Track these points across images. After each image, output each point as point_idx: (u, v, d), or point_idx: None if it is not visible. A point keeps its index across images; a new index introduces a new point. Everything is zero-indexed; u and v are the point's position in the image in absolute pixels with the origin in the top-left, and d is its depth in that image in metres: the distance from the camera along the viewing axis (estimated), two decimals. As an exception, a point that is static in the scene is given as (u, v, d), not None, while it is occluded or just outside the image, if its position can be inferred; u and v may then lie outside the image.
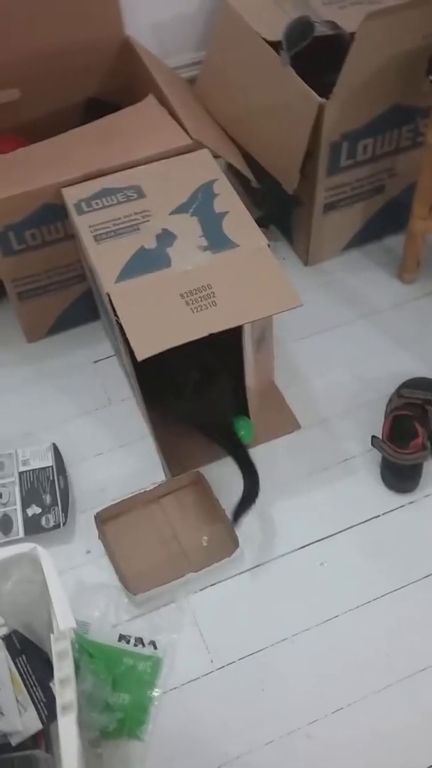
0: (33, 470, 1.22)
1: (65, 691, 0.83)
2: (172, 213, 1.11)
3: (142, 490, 1.21)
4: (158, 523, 1.20)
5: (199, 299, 0.99)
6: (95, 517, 1.18)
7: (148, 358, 0.94)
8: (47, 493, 1.20)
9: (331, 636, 1.09)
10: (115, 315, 0.99)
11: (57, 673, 0.84)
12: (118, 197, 1.14)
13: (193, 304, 0.99)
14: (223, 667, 1.07)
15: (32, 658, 0.96)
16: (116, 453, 1.28)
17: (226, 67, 1.43)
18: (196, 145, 1.24)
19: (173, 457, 1.25)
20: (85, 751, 0.98)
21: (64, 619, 0.87)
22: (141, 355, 0.94)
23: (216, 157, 1.26)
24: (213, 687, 1.05)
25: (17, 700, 0.95)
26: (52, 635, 0.87)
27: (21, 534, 1.16)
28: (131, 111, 1.32)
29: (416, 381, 1.33)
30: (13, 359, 1.41)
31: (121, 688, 1.04)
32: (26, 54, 1.37)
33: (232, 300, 0.99)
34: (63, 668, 0.85)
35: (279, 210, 1.54)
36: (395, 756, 1.00)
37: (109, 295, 1.00)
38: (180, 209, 1.11)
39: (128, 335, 0.95)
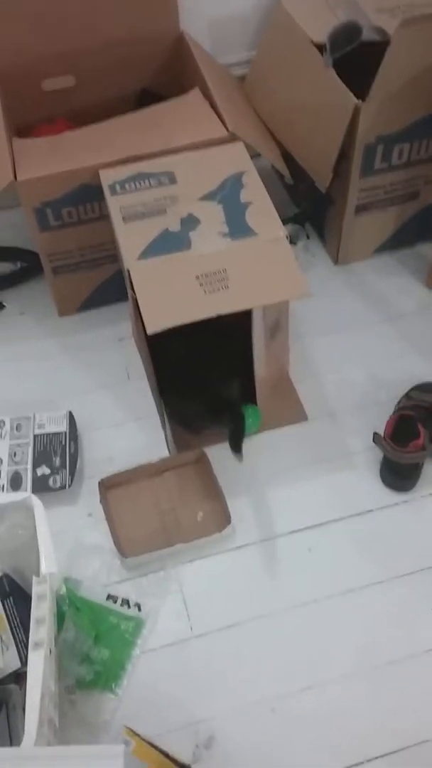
0: (47, 434, 1.29)
1: (39, 630, 0.90)
2: (199, 199, 1.16)
3: (148, 463, 1.26)
4: (158, 495, 1.25)
5: (213, 282, 1.04)
6: (99, 483, 1.24)
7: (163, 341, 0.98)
8: (57, 456, 1.27)
9: (308, 618, 1.12)
10: (133, 291, 1.05)
11: (34, 612, 0.91)
12: (151, 181, 1.20)
13: (206, 285, 1.04)
14: (201, 635, 1.11)
15: (19, 600, 1.03)
16: (128, 426, 1.34)
17: (273, 66, 1.48)
18: (232, 138, 1.29)
19: (180, 434, 1.30)
20: (60, 697, 1.05)
21: (47, 564, 0.93)
22: (151, 329, 0.99)
23: (257, 155, 1.31)
24: (189, 653, 1.10)
25: (1, 639, 1.01)
26: (34, 577, 0.93)
27: (29, 491, 1.23)
28: (175, 102, 1.38)
29: (427, 385, 1.34)
30: (44, 331, 1.49)
31: (102, 644, 1.10)
32: (83, 43, 1.45)
33: (244, 285, 1.04)
34: (40, 609, 0.91)
35: (315, 208, 1.58)
36: (352, 740, 1.02)
37: (129, 271, 1.06)
38: (208, 197, 1.17)
39: (141, 309, 1.01)
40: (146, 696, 1.06)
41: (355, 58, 1.32)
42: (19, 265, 1.53)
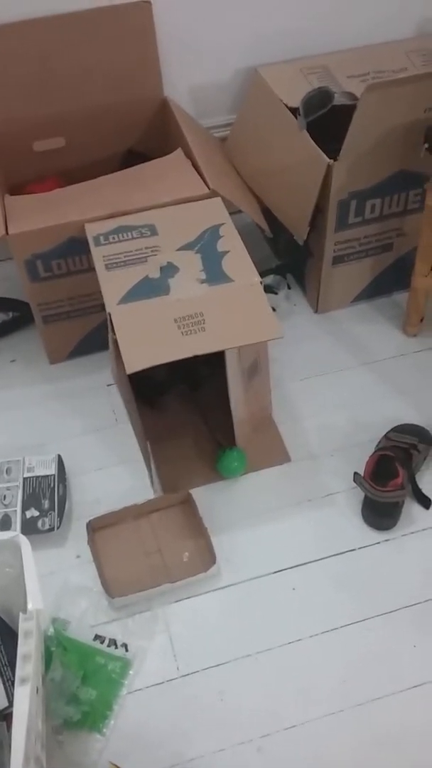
0: (36, 477, 1.33)
1: (25, 666, 0.91)
2: (178, 249, 1.23)
3: (134, 505, 1.29)
4: (144, 536, 1.27)
5: (190, 324, 1.10)
6: (87, 525, 1.27)
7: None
8: (46, 498, 1.30)
9: (292, 657, 1.13)
10: (113, 333, 1.10)
11: (20, 649, 0.92)
12: (133, 233, 1.27)
13: (184, 328, 1.09)
14: (187, 675, 1.12)
15: (6, 639, 1.04)
16: (115, 469, 1.37)
17: (252, 128, 1.57)
18: (213, 195, 1.37)
19: (166, 477, 1.34)
20: (48, 737, 1.05)
21: (33, 601, 0.95)
22: (130, 369, 1.04)
23: (239, 212, 1.38)
24: (175, 692, 1.11)
25: (-12, 679, 1.02)
26: (21, 614, 0.95)
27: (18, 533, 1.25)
28: (159, 162, 1.46)
29: (405, 426, 1.39)
30: (35, 378, 1.54)
31: (89, 684, 1.11)
32: (73, 108, 1.54)
33: (219, 327, 1.10)
34: (27, 645, 0.93)
35: (295, 260, 1.65)
36: (340, 777, 1.03)
37: (110, 314, 1.12)
38: (186, 246, 1.23)
39: (121, 350, 1.06)
40: (133, 736, 1.07)
41: (329, 121, 1.41)
42: (10, 315, 1.59)
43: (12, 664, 1.02)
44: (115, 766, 0.98)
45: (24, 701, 0.87)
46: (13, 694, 1.01)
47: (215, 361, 1.13)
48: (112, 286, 1.17)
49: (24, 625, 0.94)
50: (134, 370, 1.04)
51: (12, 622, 1.07)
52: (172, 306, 1.13)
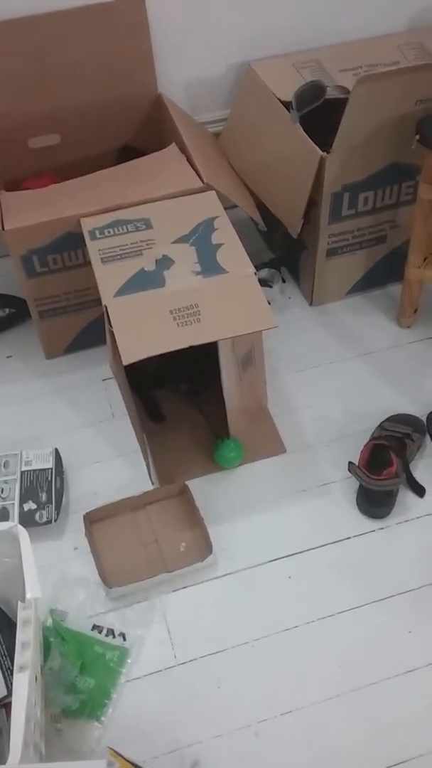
0: (34, 470, 1.34)
1: (24, 653, 0.92)
2: (173, 242, 1.24)
3: (131, 497, 1.30)
4: (141, 527, 1.28)
5: (186, 316, 1.11)
6: (84, 517, 1.28)
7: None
8: (44, 491, 1.31)
9: (289, 644, 1.14)
10: (110, 325, 1.11)
11: (19, 636, 0.93)
12: (128, 227, 1.28)
13: (179, 319, 1.10)
14: (184, 663, 1.13)
15: (5, 629, 1.05)
16: (112, 462, 1.38)
17: (246, 123, 1.58)
18: (207, 189, 1.38)
19: (163, 468, 1.35)
20: (47, 725, 1.06)
21: (31, 590, 0.96)
22: (127, 360, 1.05)
23: (234, 206, 1.39)
24: (173, 680, 1.12)
25: (-12, 668, 1.04)
26: (20, 603, 0.96)
27: (16, 525, 1.26)
28: (154, 157, 1.47)
29: (400, 416, 1.40)
30: (32, 373, 1.55)
31: (88, 673, 1.12)
32: (68, 104, 1.54)
33: (214, 318, 1.11)
34: (25, 633, 0.94)
35: (289, 253, 1.66)
36: (333, 763, 1.04)
37: (106, 307, 1.13)
38: (181, 239, 1.24)
39: (118, 342, 1.07)
40: (131, 723, 1.08)
41: (322, 114, 1.42)
42: (6, 311, 1.60)
43: (11, 654, 1.03)
44: (114, 751, 0.99)
45: (23, 687, 0.88)
46: (12, 683, 1.02)
47: (212, 351, 1.14)
48: (108, 279, 1.19)
49: (23, 614, 0.95)
50: (131, 361, 1.05)
51: (10, 612, 1.08)
52: (168, 298, 1.14)
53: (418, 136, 1.27)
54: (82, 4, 1.46)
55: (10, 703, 1.01)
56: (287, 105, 1.44)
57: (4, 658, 1.04)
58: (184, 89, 1.67)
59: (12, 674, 1.02)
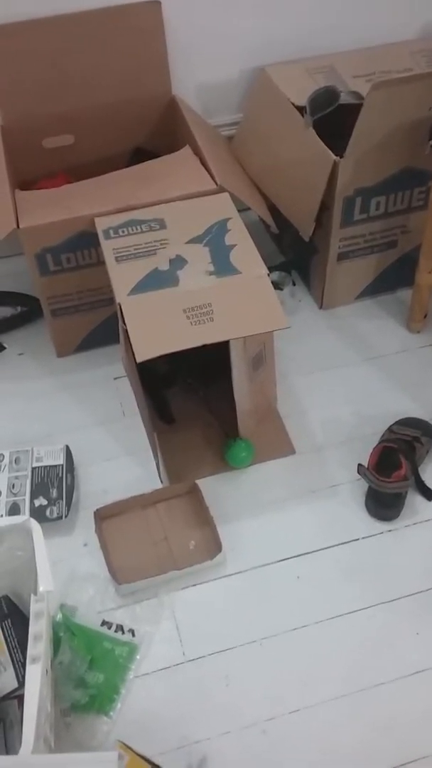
0: (45, 467, 1.34)
1: (36, 645, 0.93)
2: (187, 242, 1.25)
3: (141, 494, 1.31)
4: (151, 525, 1.29)
5: (199, 315, 1.12)
6: (95, 514, 1.28)
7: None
8: (55, 487, 1.32)
9: (297, 644, 1.15)
10: (124, 323, 1.12)
11: (31, 629, 0.94)
12: (142, 227, 1.29)
13: (193, 318, 1.11)
14: (193, 660, 1.14)
15: (17, 622, 1.06)
16: (122, 460, 1.39)
17: (259, 126, 1.60)
18: (220, 191, 1.39)
19: (173, 467, 1.36)
20: (56, 719, 1.07)
21: (44, 583, 0.97)
22: (140, 357, 1.06)
23: (246, 209, 1.41)
24: (181, 677, 1.13)
25: (-1, 661, 1.04)
26: (32, 595, 0.97)
27: (27, 520, 1.27)
28: (167, 159, 1.49)
29: (409, 420, 1.40)
30: (43, 371, 1.56)
31: (97, 668, 1.13)
32: (82, 106, 1.56)
33: (227, 318, 1.12)
34: (38, 625, 0.95)
35: (300, 257, 1.67)
36: (340, 762, 1.04)
37: (120, 305, 1.14)
38: (195, 240, 1.26)
39: (131, 340, 1.08)
40: (140, 719, 1.09)
41: (335, 119, 1.43)
42: (18, 309, 1.61)
43: (22, 647, 1.04)
44: (124, 744, 1.00)
45: (35, 679, 0.89)
46: (23, 676, 1.03)
47: (223, 351, 1.15)
48: (122, 277, 1.20)
49: (35, 606, 0.96)
50: (144, 359, 1.06)
51: (22, 605, 1.09)
52: (181, 297, 1.15)
53: (431, 142, 1.29)
54: (99, 7, 1.48)
55: (22, 696, 1.02)
56: (300, 110, 1.46)
57: (16, 651, 1.04)
58: (198, 92, 1.68)
59: (24, 667, 1.03)
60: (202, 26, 1.58)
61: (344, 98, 1.49)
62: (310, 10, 1.61)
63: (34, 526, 1.02)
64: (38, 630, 0.94)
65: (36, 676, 0.90)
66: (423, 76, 1.30)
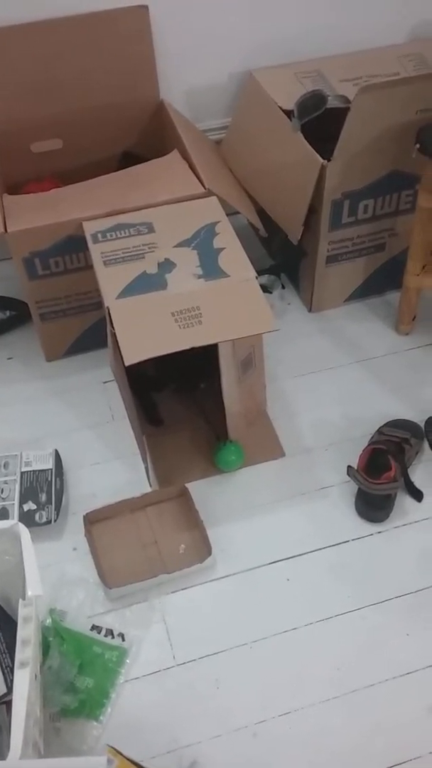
0: (33, 471, 1.34)
1: (24, 650, 0.93)
2: (175, 246, 1.25)
3: (131, 498, 1.31)
4: (141, 528, 1.29)
5: (188, 318, 1.12)
6: (84, 518, 1.28)
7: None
8: (44, 492, 1.31)
9: (287, 646, 1.15)
10: (112, 327, 1.12)
11: (20, 633, 0.94)
12: (131, 231, 1.29)
13: (181, 321, 1.12)
14: (183, 663, 1.14)
15: (5, 627, 1.05)
16: (111, 464, 1.39)
17: (247, 130, 1.60)
18: (209, 194, 1.39)
19: (162, 470, 1.36)
20: (45, 724, 1.06)
21: (32, 587, 0.97)
22: (129, 360, 1.06)
23: (235, 213, 1.41)
24: (172, 680, 1.12)
25: (-13, 666, 1.04)
26: (21, 600, 0.96)
27: (15, 525, 1.26)
28: (156, 163, 1.49)
29: (398, 422, 1.41)
30: (32, 375, 1.55)
31: (87, 673, 1.12)
32: (71, 110, 1.56)
33: (215, 321, 1.12)
34: (26, 630, 0.94)
35: (289, 260, 1.68)
36: (331, 764, 1.04)
37: (108, 309, 1.14)
38: (183, 243, 1.26)
39: (120, 343, 1.08)
40: (130, 723, 1.08)
41: (322, 123, 1.44)
42: (7, 313, 1.61)
43: (10, 652, 1.04)
44: (113, 749, 0.99)
45: (23, 684, 0.89)
46: (11, 681, 1.02)
47: (212, 354, 1.15)
48: (111, 281, 1.20)
49: (23, 611, 0.96)
50: (132, 362, 1.06)
51: (10, 610, 1.08)
52: (170, 300, 1.15)
53: (418, 145, 1.29)
54: (87, 12, 1.48)
55: (10, 701, 1.01)
56: (288, 113, 1.46)
57: (4, 656, 1.04)
58: (186, 96, 1.69)
59: (12, 672, 1.02)
60: (190, 31, 1.59)
61: (332, 102, 1.49)
62: (297, 14, 1.62)
63: (23, 530, 1.02)
64: (26, 635, 0.93)
65: (24, 681, 0.89)
66: (410, 79, 1.31)
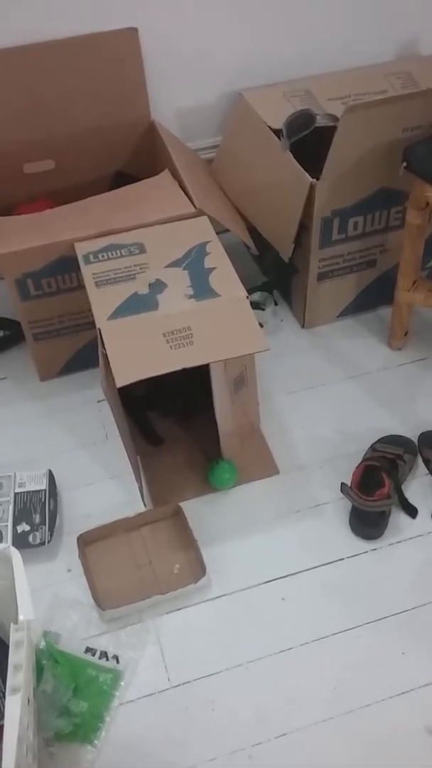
0: (27, 492, 1.34)
1: (16, 675, 0.92)
2: (166, 266, 1.26)
3: (125, 518, 1.30)
4: (135, 549, 1.29)
5: (179, 338, 1.12)
6: (78, 539, 1.28)
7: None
8: (37, 513, 1.31)
9: (283, 666, 1.14)
10: (104, 348, 1.13)
11: (11, 658, 0.93)
12: (122, 251, 1.30)
13: (172, 342, 1.12)
14: (178, 685, 1.13)
15: (-2, 652, 1.05)
16: (105, 483, 1.39)
17: (237, 149, 1.61)
18: (199, 214, 1.40)
19: (156, 490, 1.36)
20: (39, 749, 1.05)
21: (24, 612, 0.96)
22: (120, 382, 1.06)
23: (226, 231, 1.42)
24: (167, 703, 1.12)
25: (-20, 691, 1.03)
26: (12, 624, 0.96)
27: (9, 548, 1.26)
28: (147, 183, 1.50)
29: (391, 437, 1.41)
30: (25, 395, 1.55)
31: (81, 696, 1.12)
32: (62, 131, 1.57)
33: (207, 341, 1.12)
34: (18, 655, 0.94)
35: (281, 277, 1.68)
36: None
37: (100, 330, 1.14)
38: (174, 264, 1.26)
39: (111, 364, 1.08)
40: (125, 746, 1.07)
41: (311, 142, 1.45)
42: (0, 333, 1.61)
43: (3, 676, 1.03)
44: (107, 774, 0.98)
45: (15, 710, 0.88)
46: (3, 706, 1.02)
47: (204, 374, 1.15)
48: (102, 302, 1.20)
49: (15, 636, 0.95)
50: (124, 383, 1.06)
51: (3, 633, 1.08)
52: (161, 321, 1.15)
53: (405, 163, 1.30)
54: (77, 34, 1.50)
55: (1, 726, 1.01)
56: (278, 133, 1.47)
57: (-3, 682, 1.03)
58: (177, 116, 1.70)
59: (4, 696, 1.02)
60: (179, 52, 1.60)
61: (320, 121, 1.51)
62: (286, 34, 1.64)
63: (14, 553, 1.01)
64: (18, 660, 0.93)
65: (16, 707, 0.88)
66: (397, 98, 1.32)
